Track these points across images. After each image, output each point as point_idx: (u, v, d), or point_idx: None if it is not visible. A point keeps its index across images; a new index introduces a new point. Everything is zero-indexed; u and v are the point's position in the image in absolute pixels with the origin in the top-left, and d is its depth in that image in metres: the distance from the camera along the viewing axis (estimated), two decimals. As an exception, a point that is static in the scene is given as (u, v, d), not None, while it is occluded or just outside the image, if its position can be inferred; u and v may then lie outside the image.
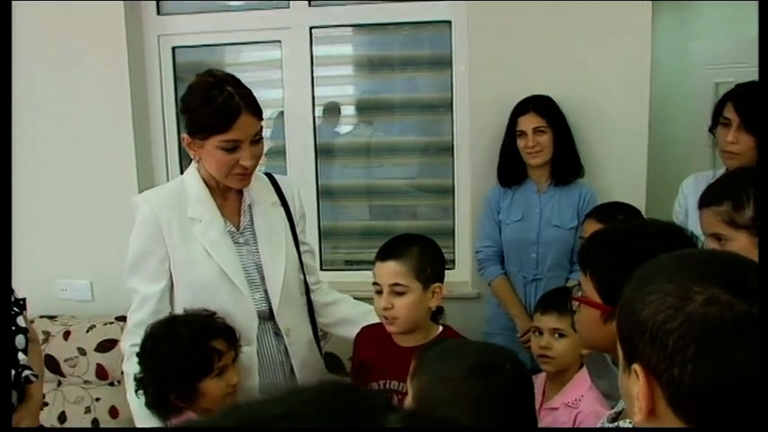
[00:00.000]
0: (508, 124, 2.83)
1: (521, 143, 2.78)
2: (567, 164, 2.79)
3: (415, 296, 1.82)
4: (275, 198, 2.06)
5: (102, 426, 2.94)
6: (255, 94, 1.87)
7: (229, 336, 1.82)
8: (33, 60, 3.16)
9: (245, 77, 1.92)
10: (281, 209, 2.06)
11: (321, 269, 2.91)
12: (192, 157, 1.90)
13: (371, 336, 1.95)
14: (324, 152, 3.34)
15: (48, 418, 2.98)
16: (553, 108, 2.78)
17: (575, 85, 2.89)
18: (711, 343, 0.79)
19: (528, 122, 2.76)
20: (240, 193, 1.97)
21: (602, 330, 1.31)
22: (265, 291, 1.96)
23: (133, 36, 3.19)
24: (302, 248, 2.11)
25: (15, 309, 1.85)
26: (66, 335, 3.02)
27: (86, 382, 3.01)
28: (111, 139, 3.16)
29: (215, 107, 1.77)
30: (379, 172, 3.41)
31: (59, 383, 3.01)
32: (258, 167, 1.94)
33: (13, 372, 1.73)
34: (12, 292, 1.91)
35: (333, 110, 3.42)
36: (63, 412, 2.96)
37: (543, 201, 2.80)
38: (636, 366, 0.85)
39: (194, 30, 3.27)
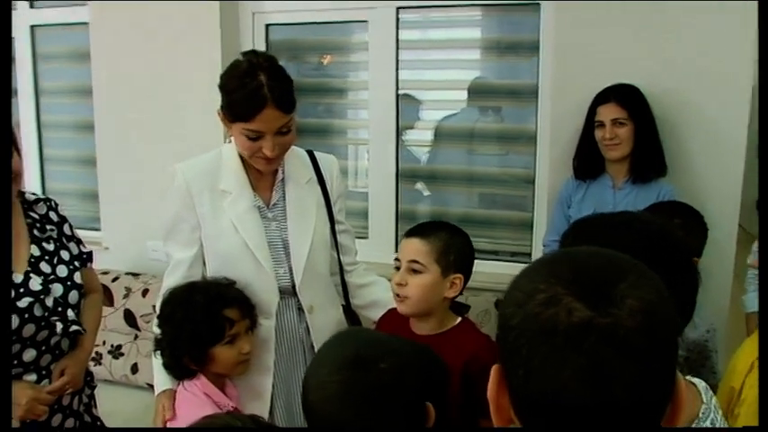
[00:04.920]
0: (588, 114, 2.68)
1: (598, 134, 2.63)
2: (647, 160, 2.60)
3: (431, 279, 1.78)
4: (312, 175, 2.06)
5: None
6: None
7: (244, 306, 1.86)
8: (129, 35, 3.35)
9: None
10: (317, 186, 2.06)
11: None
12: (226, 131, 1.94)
13: (392, 321, 1.92)
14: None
15: (122, 367, 3.19)
16: (637, 99, 2.60)
17: (666, 76, 2.67)
18: (541, 349, 0.69)
19: (607, 113, 2.60)
20: (275, 168, 1.99)
21: None
22: (290, 267, 1.97)
23: (228, 12, 3.29)
24: (339, 228, 2.11)
25: (76, 263, 1.98)
26: (145, 292, 3.20)
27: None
28: (204, 114, 3.29)
29: (242, 95, 1.77)
30: (458, 158, 3.33)
31: (136, 337, 3.21)
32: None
33: (60, 326, 1.86)
34: (80, 242, 2.05)
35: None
36: (135, 364, 3.15)
37: (618, 198, 2.63)
38: (495, 365, 0.78)
39: (288, 8, 3.32)
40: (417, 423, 1.19)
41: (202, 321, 1.79)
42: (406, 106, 3.29)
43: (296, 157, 2.04)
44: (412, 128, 3.36)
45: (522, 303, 0.72)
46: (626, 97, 2.59)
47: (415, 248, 1.80)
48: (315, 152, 2.12)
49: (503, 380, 0.76)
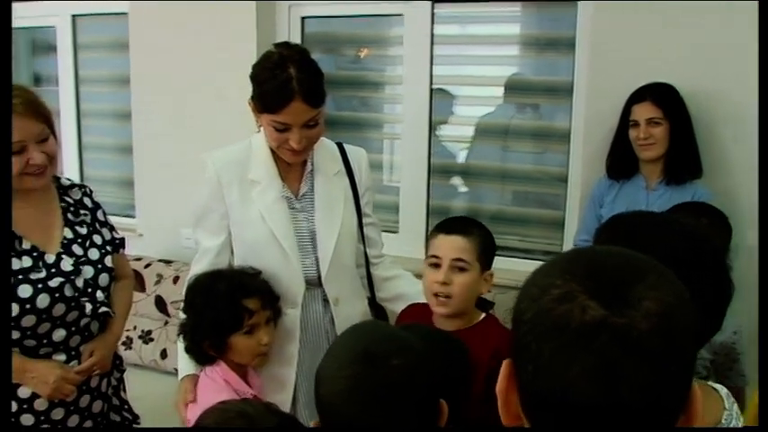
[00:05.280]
0: (622, 112, 2.64)
1: (632, 134, 2.59)
2: (683, 161, 2.56)
3: (474, 277, 1.78)
4: (340, 167, 2.07)
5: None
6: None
7: (266, 297, 1.87)
8: (167, 25, 3.40)
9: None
10: (346, 179, 2.07)
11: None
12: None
13: (414, 315, 1.92)
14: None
15: (151, 352, 3.24)
16: (673, 98, 2.56)
17: (703, 75, 2.62)
18: (551, 345, 0.67)
19: (642, 112, 2.56)
20: (304, 159, 2.00)
21: None
22: (316, 258, 1.98)
23: (264, 4, 3.32)
24: (365, 221, 2.11)
25: (108, 248, 2.02)
26: (176, 279, 3.25)
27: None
28: (239, 105, 3.30)
29: (271, 87, 1.79)
30: (492, 154, 3.31)
31: (166, 323, 3.26)
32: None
33: (90, 306, 1.90)
34: (112, 229, 2.09)
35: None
36: (164, 349, 3.20)
37: (651, 199, 2.59)
38: (506, 360, 0.77)
39: (324, 1, 3.33)
40: (429, 421, 1.17)
41: (222, 309, 1.81)
42: (440, 101, 3.28)
43: (325, 149, 2.05)
44: (445, 123, 3.35)
45: (537, 298, 0.71)
46: (662, 96, 2.55)
47: (459, 246, 1.79)
48: (344, 145, 2.13)
49: (513, 375, 0.75)
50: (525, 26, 3.23)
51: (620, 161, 2.66)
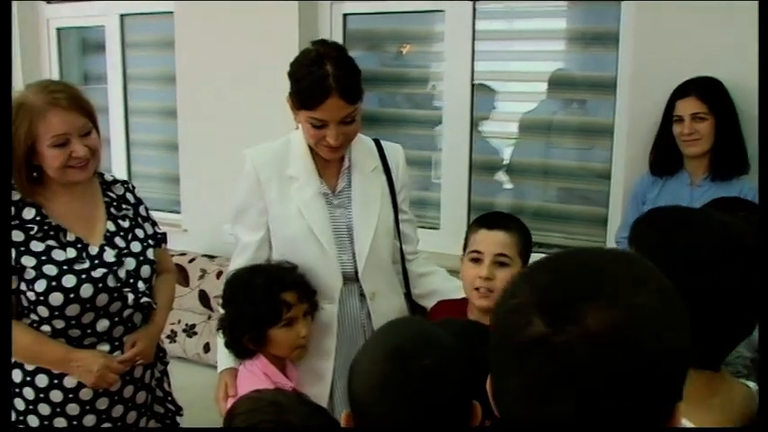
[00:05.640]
0: (666, 107, 2.60)
1: (676, 129, 2.55)
2: (728, 156, 2.50)
3: (515, 272, 1.76)
4: (377, 164, 2.08)
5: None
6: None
7: (303, 290, 1.89)
8: (211, 24, 3.45)
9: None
10: (383, 175, 2.08)
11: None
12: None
13: (446, 311, 1.92)
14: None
15: (195, 346, 3.30)
16: (719, 93, 2.50)
17: (750, 69, 2.54)
18: (496, 357, 0.67)
19: (686, 107, 2.51)
20: (341, 156, 2.02)
21: None
22: (353, 253, 2.00)
23: (306, 2, 3.34)
24: (402, 217, 2.12)
25: (150, 241, 2.07)
26: (219, 274, 3.30)
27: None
28: (282, 102, 3.34)
29: (307, 84, 1.81)
30: (535, 150, 3.28)
31: (209, 317, 3.32)
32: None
33: (132, 296, 1.96)
34: (154, 224, 2.14)
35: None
36: (207, 343, 3.26)
37: (695, 195, 2.54)
38: None
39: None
40: (461, 421, 1.16)
41: (261, 303, 1.83)
42: (481, 97, 3.26)
43: (362, 146, 2.07)
44: (487, 119, 3.33)
45: (500, 303, 0.71)
46: (707, 91, 2.50)
47: (502, 241, 1.80)
48: (381, 141, 2.14)
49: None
50: (571, 21, 3.19)
51: (664, 157, 2.62)
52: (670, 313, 0.71)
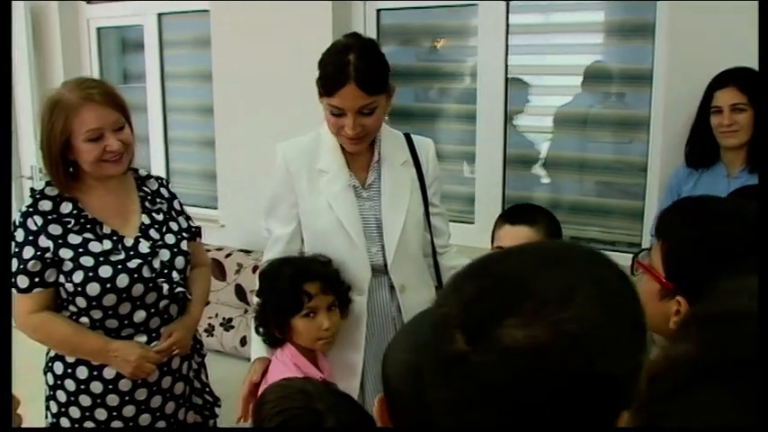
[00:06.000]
0: (703, 99, 2.55)
1: (714, 120, 2.50)
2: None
3: None
4: (407, 157, 2.09)
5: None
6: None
7: (327, 282, 1.91)
8: (246, 22, 3.49)
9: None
10: (413, 169, 2.09)
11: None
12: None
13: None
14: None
15: (232, 339, 3.35)
16: (758, 83, 2.44)
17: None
18: (426, 365, 0.66)
19: (725, 98, 2.47)
20: (371, 149, 2.03)
21: (656, 307, 1.18)
22: (382, 245, 2.01)
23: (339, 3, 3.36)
24: (432, 210, 2.13)
25: (184, 234, 2.12)
26: (255, 269, 3.32)
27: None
28: (317, 100, 3.37)
29: (328, 71, 1.84)
30: (571, 144, 3.25)
31: (245, 311, 3.36)
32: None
33: (166, 287, 2.00)
34: (188, 218, 2.18)
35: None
36: (244, 337, 3.30)
37: (732, 187, 2.46)
38: None
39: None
40: None
41: (285, 293, 1.87)
42: (515, 91, 3.24)
43: (392, 139, 2.08)
44: (521, 113, 3.31)
45: (432, 309, 0.70)
46: (746, 81, 2.45)
47: (526, 236, 1.79)
48: (411, 135, 2.15)
49: None
50: (609, 13, 3.15)
51: (700, 149, 2.58)
52: (610, 333, 0.63)
